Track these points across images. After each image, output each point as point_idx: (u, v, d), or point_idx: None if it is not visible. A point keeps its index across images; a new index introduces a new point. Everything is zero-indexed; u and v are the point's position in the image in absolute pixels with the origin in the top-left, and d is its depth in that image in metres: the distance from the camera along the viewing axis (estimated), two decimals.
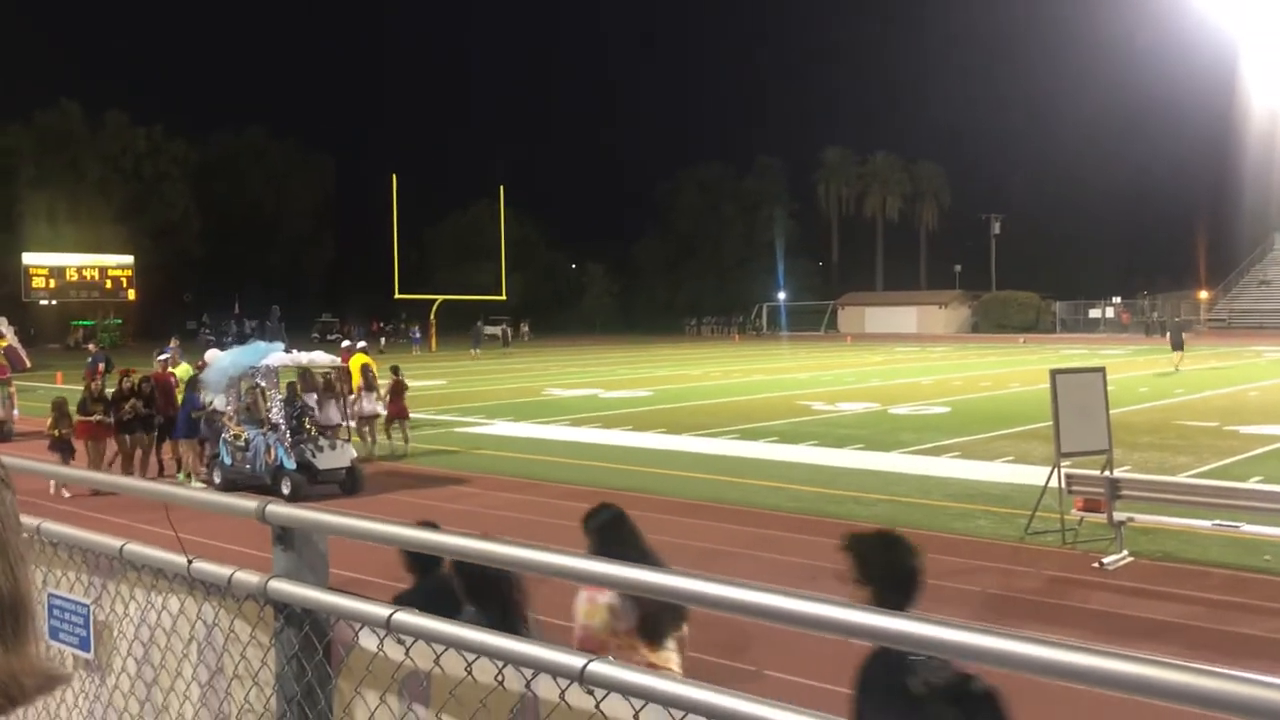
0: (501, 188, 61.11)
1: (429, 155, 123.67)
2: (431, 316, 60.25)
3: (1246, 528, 9.69)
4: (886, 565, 3.27)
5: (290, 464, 13.99)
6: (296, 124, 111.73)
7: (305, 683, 2.07)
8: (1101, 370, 11.88)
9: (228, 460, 14.78)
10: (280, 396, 14.74)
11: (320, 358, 16.34)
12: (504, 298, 59.43)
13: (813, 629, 1.45)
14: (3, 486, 1.09)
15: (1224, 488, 10.56)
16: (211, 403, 15.19)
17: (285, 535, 2.12)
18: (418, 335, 59.03)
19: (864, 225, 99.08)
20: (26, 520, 2.44)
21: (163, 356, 18.13)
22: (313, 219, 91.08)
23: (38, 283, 67.05)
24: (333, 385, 16.32)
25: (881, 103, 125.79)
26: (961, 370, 37.07)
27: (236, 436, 14.72)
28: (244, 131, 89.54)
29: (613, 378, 35.29)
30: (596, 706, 1.60)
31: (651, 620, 4.21)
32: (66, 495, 13.74)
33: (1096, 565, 9.88)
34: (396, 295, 56.45)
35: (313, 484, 13.89)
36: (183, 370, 17.89)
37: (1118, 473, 11.25)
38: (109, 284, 69.54)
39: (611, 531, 4.48)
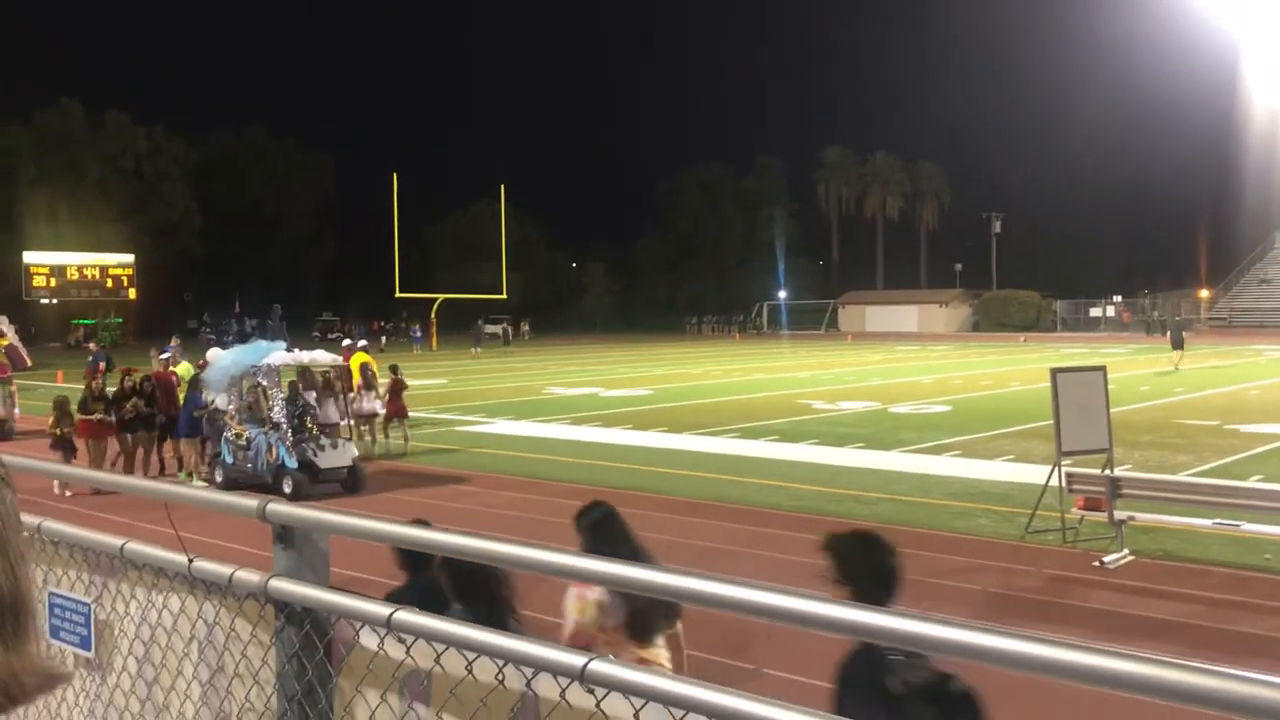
0: (502, 187, 61.17)
1: (429, 155, 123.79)
2: (432, 315, 60.26)
3: (1247, 526, 9.68)
4: (865, 565, 3.30)
5: (292, 463, 13.99)
6: (297, 124, 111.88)
7: (306, 681, 2.07)
8: (1102, 369, 11.88)
9: (229, 459, 14.78)
10: (282, 395, 14.75)
11: (322, 356, 16.34)
12: (504, 297, 59.44)
13: (801, 625, 1.46)
14: (3, 485, 1.09)
15: (1224, 486, 10.55)
16: (213, 401, 15.19)
17: (286, 534, 2.12)
18: (418, 334, 59.03)
19: (864, 224, 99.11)
20: (27, 519, 2.44)
21: (164, 355, 18.13)
22: (313, 218, 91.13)
23: (38, 281, 67.08)
24: (331, 384, 16.32)
25: (881, 102, 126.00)
26: (962, 369, 37.07)
27: (238, 435, 14.72)
28: (244, 131, 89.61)
29: (613, 376, 35.29)
30: (597, 705, 1.60)
31: (639, 617, 4.24)
32: (67, 494, 13.74)
33: (1097, 564, 9.88)
34: (397, 294, 56.47)
35: (314, 483, 13.89)
36: (183, 369, 17.90)
37: (1118, 471, 11.25)
38: (109, 283, 69.58)
39: (602, 529, 4.52)
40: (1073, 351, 47.00)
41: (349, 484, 14.24)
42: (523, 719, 1.74)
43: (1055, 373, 11.40)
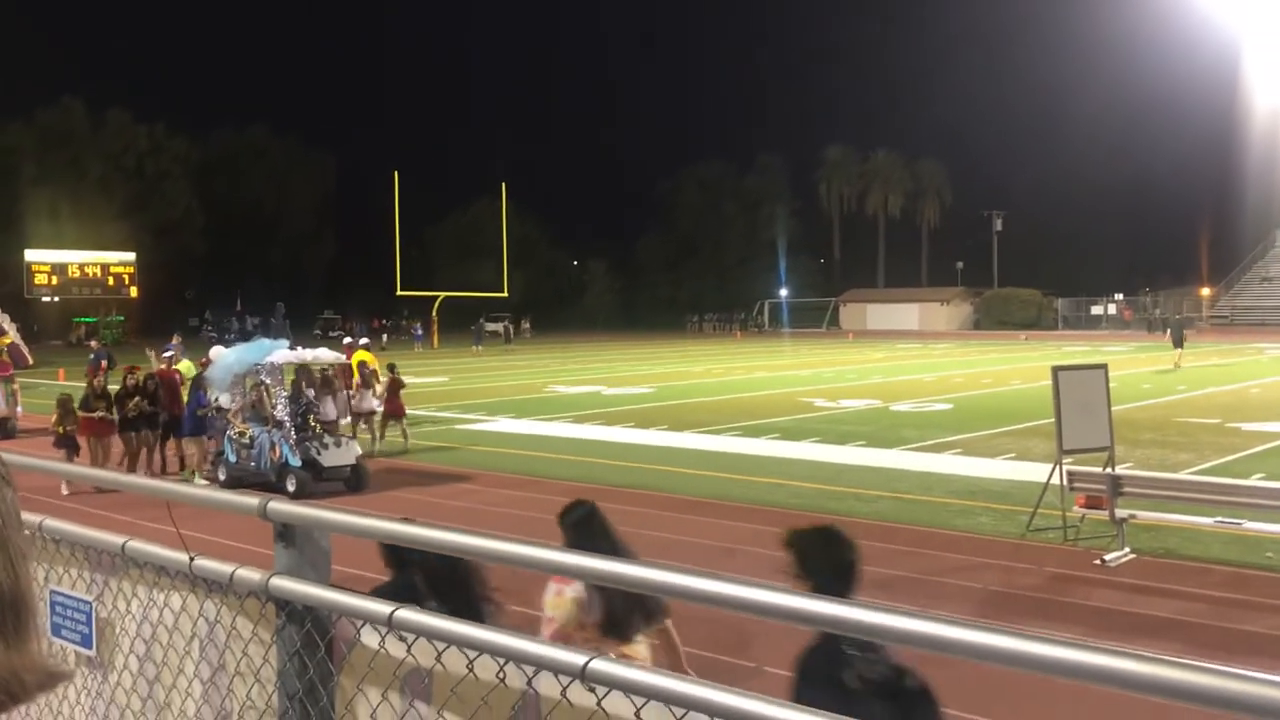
0: (503, 185, 61.17)
1: (430, 153, 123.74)
2: (433, 313, 60.27)
3: (1248, 525, 9.68)
4: (825, 559, 3.35)
5: (295, 461, 13.99)
6: (297, 122, 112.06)
7: (307, 680, 2.08)
8: (1103, 367, 11.87)
9: (232, 457, 14.79)
10: (285, 394, 14.74)
11: (325, 354, 16.34)
12: (506, 295, 59.46)
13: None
14: (3, 483, 1.09)
15: (1226, 485, 10.55)
16: (217, 400, 15.20)
17: (287, 532, 2.12)
18: (420, 332, 59.06)
19: (865, 223, 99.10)
20: (29, 517, 2.44)
21: (167, 353, 18.14)
22: (313, 216, 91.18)
23: (40, 279, 67.14)
24: (330, 381, 16.33)
25: (882, 101, 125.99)
26: (963, 367, 37.07)
27: (241, 434, 14.73)
28: (245, 130, 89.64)
29: (615, 375, 35.30)
30: (598, 704, 1.60)
31: (615, 615, 4.29)
32: (64, 492, 13.75)
33: (1098, 562, 9.88)
34: (398, 292, 56.50)
35: (318, 481, 13.89)
36: (184, 367, 17.92)
37: (1119, 470, 11.25)
38: (111, 281, 69.65)
39: (584, 526, 4.60)
40: (1074, 349, 46.99)
41: (352, 482, 14.24)
42: (524, 717, 1.74)
43: (1056, 371, 11.40)
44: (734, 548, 10.75)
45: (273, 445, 14.26)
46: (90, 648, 2.60)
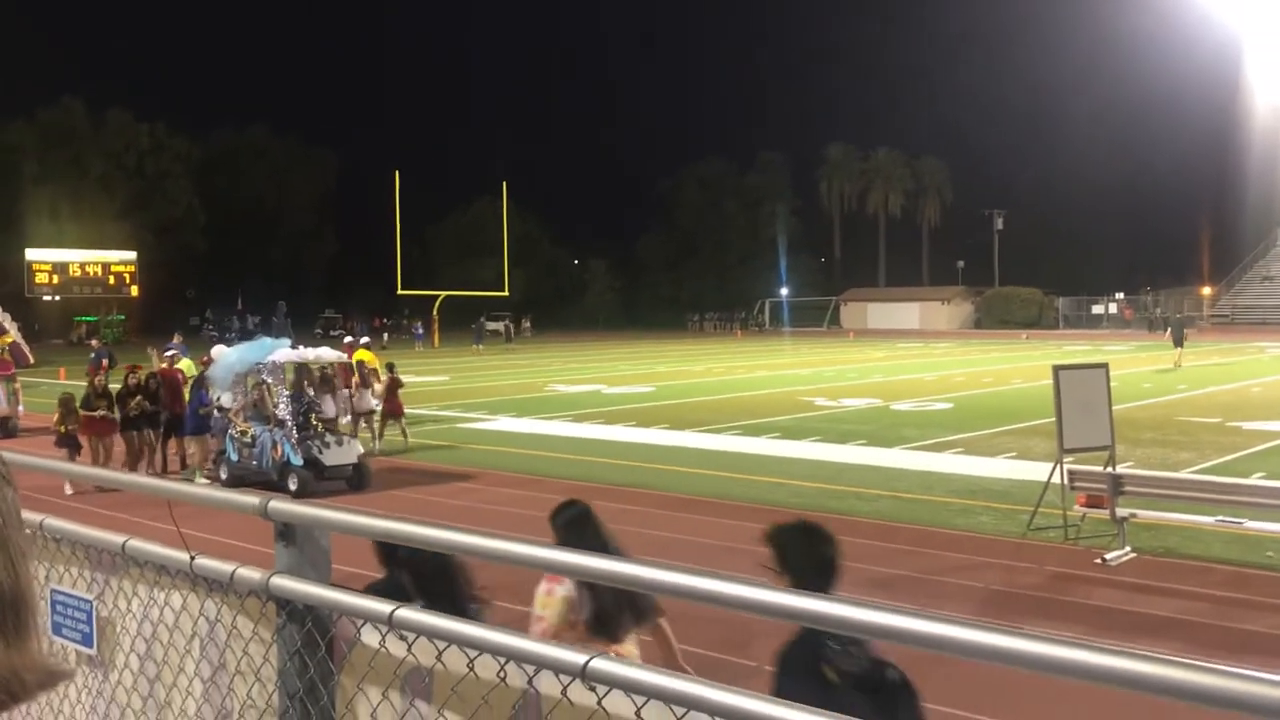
0: (504, 184, 61.17)
1: (431, 153, 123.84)
2: (434, 312, 60.28)
3: (1249, 524, 9.67)
4: (805, 555, 3.35)
5: (297, 460, 13.98)
6: (298, 121, 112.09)
7: (308, 679, 2.08)
8: (1104, 366, 11.87)
9: (234, 456, 14.79)
10: (287, 393, 14.73)
11: (327, 353, 16.35)
12: (506, 294, 59.48)
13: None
14: (4, 482, 1.09)
15: (1227, 484, 10.54)
16: (219, 399, 15.20)
17: (287, 531, 2.12)
18: (420, 331, 59.08)
19: (866, 221, 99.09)
20: (30, 516, 2.44)
21: (170, 352, 18.15)
22: (314, 215, 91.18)
23: (41, 278, 67.17)
24: (330, 380, 16.34)
25: (883, 100, 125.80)
26: (964, 366, 37.06)
27: (243, 433, 14.73)
28: (246, 129, 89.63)
29: (615, 374, 35.30)
30: (598, 703, 1.60)
31: (603, 615, 4.31)
32: (69, 491, 13.76)
33: (1099, 561, 9.88)
34: (399, 291, 56.51)
35: (319, 480, 13.88)
36: (185, 365, 17.92)
37: (1120, 469, 11.25)
38: (112, 280, 69.68)
39: (576, 526, 4.61)
40: (1075, 349, 46.97)
41: (354, 481, 14.23)
42: (524, 716, 1.74)
43: (1057, 370, 11.39)
44: (734, 547, 10.75)
45: (274, 444, 14.26)
46: (91, 646, 2.60)
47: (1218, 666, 1.17)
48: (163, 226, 76.31)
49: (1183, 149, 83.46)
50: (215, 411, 15.32)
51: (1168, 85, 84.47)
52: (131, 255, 70.44)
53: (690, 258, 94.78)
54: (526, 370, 37.81)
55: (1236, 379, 29.66)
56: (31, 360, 37.83)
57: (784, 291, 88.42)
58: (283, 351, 14.86)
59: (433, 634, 1.83)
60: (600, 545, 4.47)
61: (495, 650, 1.73)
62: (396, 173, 54.51)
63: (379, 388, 18.14)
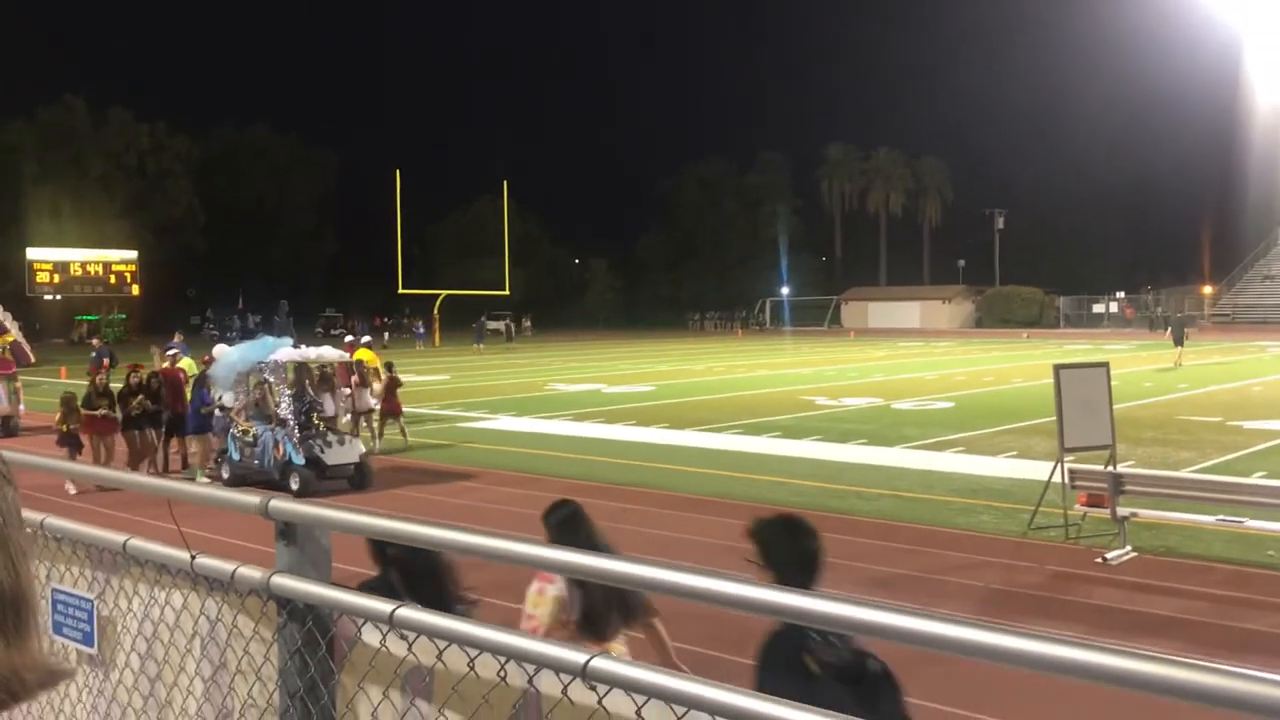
0: (505, 183, 61.17)
1: (431, 152, 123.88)
2: (435, 312, 60.30)
3: (1250, 523, 9.67)
4: (789, 549, 3.36)
5: (299, 459, 13.98)
6: (298, 121, 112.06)
7: (308, 678, 2.08)
8: (1105, 365, 11.86)
9: (236, 456, 14.79)
10: (289, 392, 14.73)
11: (329, 353, 16.35)
12: (507, 293, 59.50)
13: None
14: (4, 482, 1.09)
15: (1227, 483, 10.54)
16: (220, 398, 15.20)
17: (288, 530, 2.12)
18: (421, 330, 59.11)
19: (867, 220, 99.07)
20: (31, 515, 2.44)
21: (172, 351, 18.15)
22: (314, 215, 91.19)
23: (42, 278, 67.20)
24: (329, 378, 16.34)
25: (884, 99, 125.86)
26: (965, 365, 37.05)
27: (245, 432, 14.73)
28: (246, 128, 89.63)
29: (616, 373, 35.30)
30: (599, 702, 1.60)
31: (591, 614, 4.36)
32: (72, 491, 13.76)
33: (1100, 560, 9.87)
34: (400, 290, 56.53)
35: (321, 479, 13.88)
36: (186, 364, 17.92)
37: (1121, 468, 11.24)
38: (113, 279, 69.71)
39: (569, 525, 4.69)
40: (1076, 348, 46.97)
41: (356, 480, 14.23)
42: (525, 716, 1.74)
43: (1058, 369, 11.39)
44: (735, 546, 10.76)
45: (276, 443, 14.26)
46: (92, 646, 2.60)
47: (1219, 666, 1.17)
48: (163, 226, 76.33)
49: (1184, 148, 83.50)
50: (217, 411, 15.32)
51: (1169, 84, 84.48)
52: (132, 254, 70.46)
53: (691, 257, 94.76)
54: (527, 369, 37.81)
55: (1237, 378, 29.64)
56: (32, 359, 37.88)
57: (785, 291, 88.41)
58: (285, 351, 14.86)
59: (433, 633, 1.83)
60: (591, 544, 4.51)
61: (496, 649, 1.73)
62: (397, 172, 54.59)
63: (377, 387, 18.14)
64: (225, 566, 2.18)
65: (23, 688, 1.01)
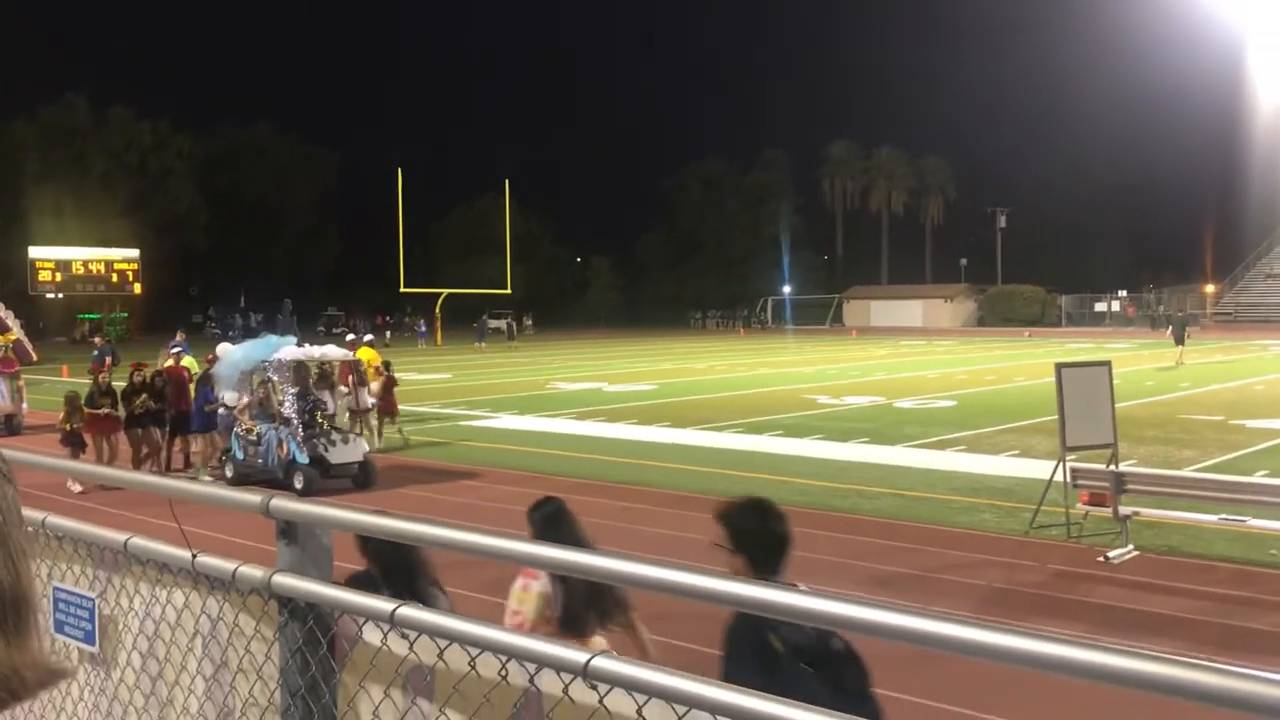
0: (506, 182, 61.18)
1: (432, 152, 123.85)
2: (437, 310, 60.33)
3: (1253, 522, 9.66)
4: (757, 533, 3.33)
5: (303, 458, 13.98)
6: (299, 120, 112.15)
7: (309, 677, 2.08)
8: (1107, 364, 11.85)
9: (240, 455, 14.79)
10: (292, 390, 14.73)
11: (333, 351, 16.35)
12: (509, 291, 59.52)
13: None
14: (4, 480, 1.08)
15: (1230, 482, 10.53)
16: (223, 397, 15.21)
17: (289, 529, 2.12)
18: (423, 329, 59.13)
19: (869, 219, 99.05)
20: (32, 514, 2.45)
21: (175, 349, 18.16)
22: (316, 213, 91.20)
23: (44, 276, 67.17)
24: (328, 376, 16.36)
25: (885, 98, 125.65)
26: (967, 364, 37.04)
27: (249, 431, 14.73)
28: (248, 127, 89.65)
29: (617, 372, 35.30)
30: (600, 702, 1.60)
31: (569, 612, 4.44)
32: (77, 489, 13.77)
33: (1101, 559, 9.87)
34: (401, 289, 56.54)
35: (325, 478, 13.87)
36: (189, 363, 17.93)
37: (1123, 467, 11.23)
38: (115, 277, 69.67)
39: (553, 522, 4.79)
40: (1077, 346, 46.95)
41: (360, 479, 14.22)
42: (525, 715, 1.74)
43: (1060, 368, 11.38)
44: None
45: (280, 442, 14.26)
46: (93, 644, 2.60)
47: (1221, 665, 1.17)
48: (165, 224, 76.30)
49: (1186, 147, 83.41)
50: (221, 409, 15.33)
51: (1171, 83, 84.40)
52: (134, 253, 70.43)
53: (693, 255, 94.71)
54: (528, 368, 37.82)
55: (1239, 377, 29.62)
56: (34, 358, 37.97)
57: (786, 289, 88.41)
58: (288, 349, 14.87)
59: (434, 632, 1.83)
60: (575, 540, 4.59)
61: (497, 649, 1.73)
62: (399, 170, 54.57)
63: (375, 386, 18.15)
64: (227, 565, 2.18)
65: (23, 686, 1.01)
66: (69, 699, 2.67)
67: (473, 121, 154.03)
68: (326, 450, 14.07)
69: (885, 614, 1.39)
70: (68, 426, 15.34)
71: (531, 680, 1.70)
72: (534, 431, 19.96)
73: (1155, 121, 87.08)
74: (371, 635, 1.99)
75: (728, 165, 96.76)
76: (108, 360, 20.75)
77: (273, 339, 15.40)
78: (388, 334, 60.98)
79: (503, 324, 64.77)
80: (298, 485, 13.67)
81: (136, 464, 15.37)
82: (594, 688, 1.60)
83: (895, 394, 25.66)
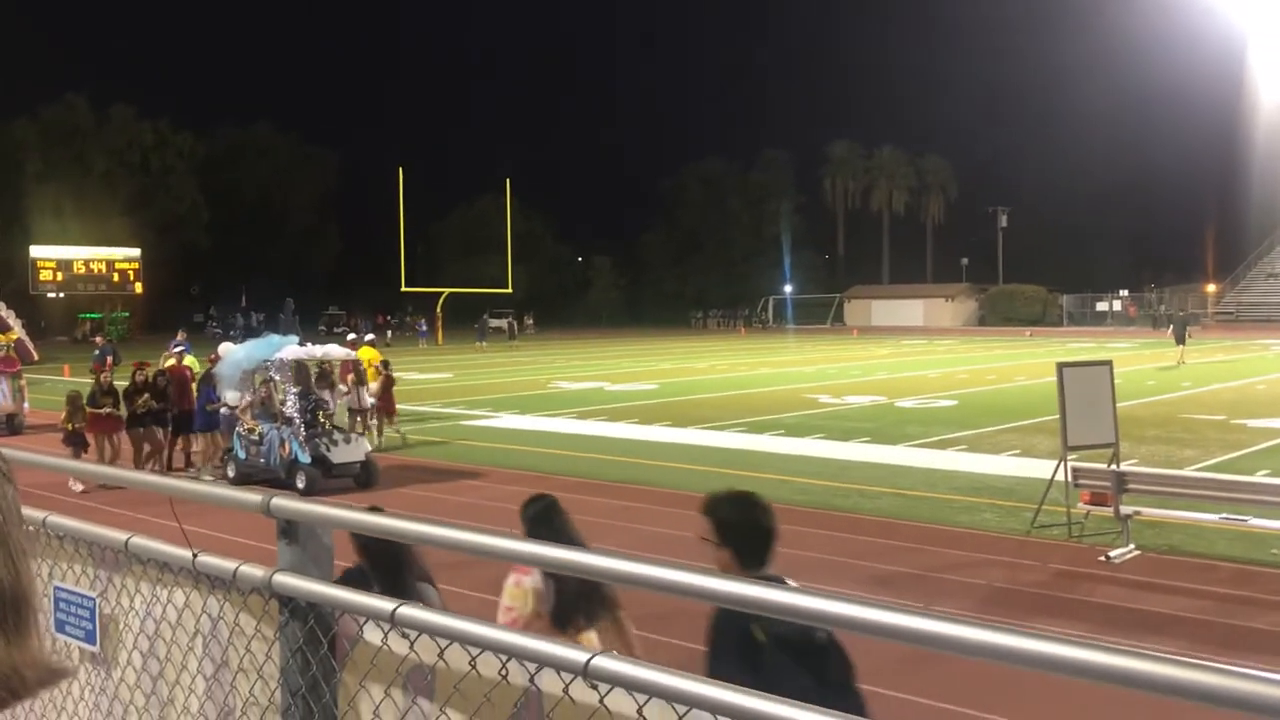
0: (508, 181, 61.18)
1: (433, 151, 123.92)
2: (438, 309, 60.36)
3: (1254, 521, 9.67)
4: (743, 525, 3.31)
5: (305, 458, 13.98)
6: (300, 119, 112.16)
7: (310, 676, 2.08)
8: (1108, 363, 11.84)
9: (242, 454, 14.79)
10: (294, 390, 14.73)
11: (335, 351, 16.34)
12: (510, 291, 59.53)
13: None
14: (4, 480, 1.09)
15: (1231, 481, 10.52)
16: (225, 396, 15.22)
17: (290, 529, 2.12)
18: (424, 328, 59.14)
19: (870, 218, 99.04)
20: (33, 513, 2.45)
21: (177, 349, 18.15)
22: (317, 212, 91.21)
23: (45, 275, 67.20)
24: (327, 375, 16.37)
25: (887, 97, 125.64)
26: (968, 363, 37.03)
27: (251, 430, 14.73)
28: (249, 126, 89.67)
29: (618, 371, 35.30)
30: (600, 701, 1.60)
31: (562, 607, 4.47)
32: (78, 489, 13.78)
33: (1103, 559, 9.86)
34: (403, 288, 56.54)
35: (327, 478, 13.88)
36: (191, 362, 17.93)
37: (1124, 466, 11.23)
38: (116, 277, 69.69)
39: (545, 519, 4.84)
40: (1079, 346, 46.93)
41: (362, 479, 14.22)
42: (526, 714, 1.74)
43: (1061, 367, 11.38)
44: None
45: (282, 442, 14.26)
46: (94, 644, 2.60)
47: (1222, 665, 1.16)
48: (166, 223, 76.31)
49: (1187, 146, 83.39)
50: (223, 409, 15.34)
51: (1172, 82, 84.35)
52: (135, 252, 70.45)
53: (694, 255, 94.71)
54: (529, 367, 37.82)
55: (1241, 376, 29.60)
56: (36, 357, 37.98)
57: (788, 289, 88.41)
58: (291, 349, 14.87)
59: (435, 631, 1.83)
60: (566, 537, 4.62)
61: (497, 648, 1.73)
62: (400, 170, 54.60)
63: (374, 386, 18.15)
64: (227, 565, 2.18)
65: (23, 685, 1.01)
66: (70, 698, 2.67)
67: (473, 121, 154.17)
68: (329, 450, 14.08)
69: (885, 614, 1.39)
70: (70, 426, 15.34)
71: (532, 680, 1.70)
72: (535, 431, 19.96)
73: (1156, 121, 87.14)
74: (372, 635, 1.99)
75: (728, 165, 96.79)
76: (109, 360, 20.76)
77: (275, 338, 15.40)
78: (389, 333, 61.00)
79: (504, 323, 64.77)
80: (300, 485, 13.67)
81: (139, 464, 15.37)
82: (594, 687, 1.60)
83: (896, 393, 25.65)
